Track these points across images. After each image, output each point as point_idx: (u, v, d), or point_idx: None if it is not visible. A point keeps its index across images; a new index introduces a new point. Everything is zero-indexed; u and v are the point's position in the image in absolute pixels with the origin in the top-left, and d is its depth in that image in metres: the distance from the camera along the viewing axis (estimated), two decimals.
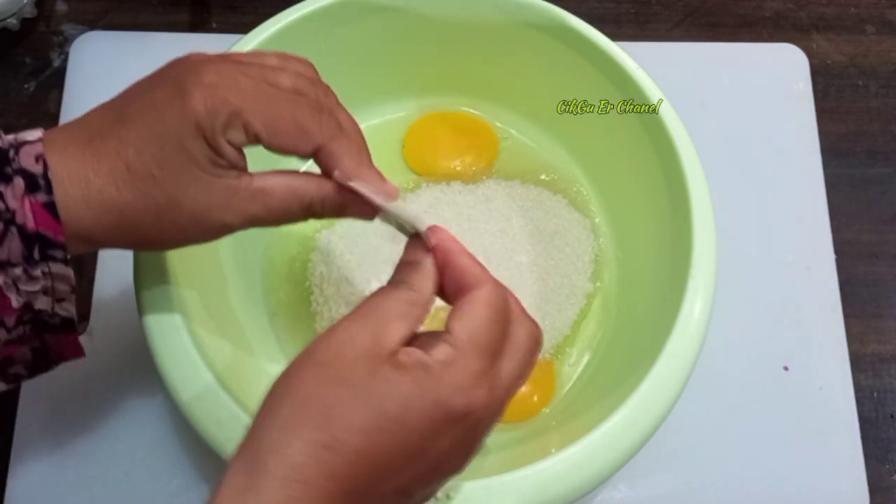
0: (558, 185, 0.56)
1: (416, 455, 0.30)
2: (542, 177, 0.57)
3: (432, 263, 0.35)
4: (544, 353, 0.52)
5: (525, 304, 0.51)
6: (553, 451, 0.39)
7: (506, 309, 0.34)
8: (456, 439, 0.31)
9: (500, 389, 0.33)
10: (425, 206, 0.55)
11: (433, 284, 0.34)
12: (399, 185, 0.56)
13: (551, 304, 0.52)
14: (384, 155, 0.58)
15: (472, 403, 0.31)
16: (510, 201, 0.55)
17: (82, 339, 0.53)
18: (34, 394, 0.52)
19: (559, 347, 0.52)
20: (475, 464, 0.44)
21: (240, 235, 0.52)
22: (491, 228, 0.54)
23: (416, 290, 0.34)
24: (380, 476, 0.30)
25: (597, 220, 0.55)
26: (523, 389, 0.50)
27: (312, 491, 0.28)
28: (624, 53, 0.49)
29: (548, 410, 0.50)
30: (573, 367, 0.52)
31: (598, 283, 0.54)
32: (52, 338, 0.37)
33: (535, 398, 0.51)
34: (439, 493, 0.37)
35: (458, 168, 0.57)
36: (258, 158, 0.37)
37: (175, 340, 0.41)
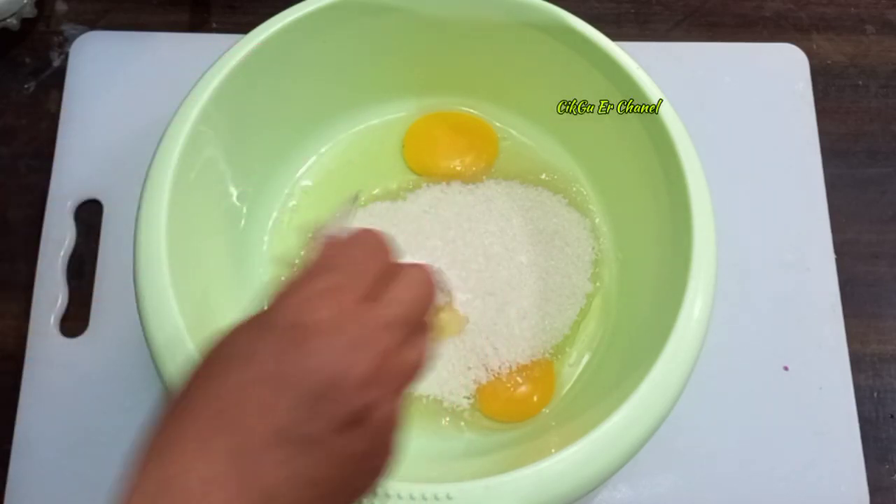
0: (558, 185, 0.56)
1: (269, 382, 0.28)
2: (542, 176, 0.57)
3: None
4: (544, 353, 0.52)
5: (525, 304, 0.52)
6: (553, 451, 0.39)
7: (350, 237, 0.33)
8: (313, 355, 0.29)
9: (371, 313, 0.30)
10: (425, 206, 0.55)
11: None
12: (399, 185, 0.56)
13: (551, 304, 0.52)
14: (384, 155, 0.58)
15: (301, 312, 0.29)
16: (510, 201, 0.55)
17: (81, 339, 0.53)
18: (34, 394, 0.52)
19: (559, 347, 0.52)
20: (475, 463, 0.44)
21: (239, 236, 0.53)
22: (491, 228, 0.54)
23: None
24: (245, 415, 0.28)
25: (597, 220, 0.55)
26: (523, 389, 0.50)
27: (176, 451, 0.28)
28: (624, 53, 0.49)
29: (548, 410, 0.50)
30: (573, 367, 0.52)
31: (597, 284, 0.54)
32: None
33: (536, 398, 0.51)
34: (439, 493, 0.37)
35: (457, 168, 0.57)
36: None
37: (175, 340, 0.41)
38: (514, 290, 0.53)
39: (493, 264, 0.53)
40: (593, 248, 0.54)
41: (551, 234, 0.54)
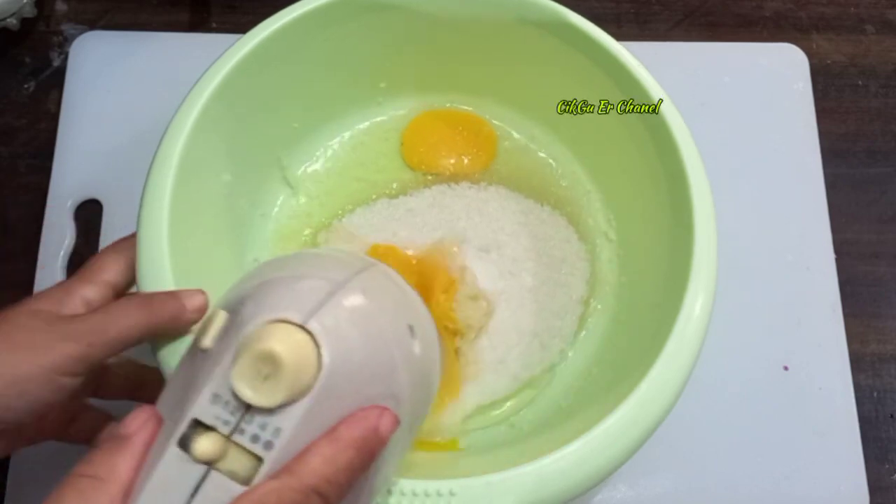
0: (556, 179, 0.56)
1: None
2: (541, 174, 0.57)
3: None
4: (553, 350, 0.52)
5: (527, 306, 0.52)
6: (553, 449, 0.39)
7: None
8: None
9: None
10: (430, 201, 0.55)
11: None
12: (403, 182, 0.56)
13: (554, 308, 0.53)
14: (388, 152, 0.58)
15: None
16: (508, 203, 0.55)
17: None
18: None
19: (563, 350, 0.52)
20: (477, 460, 0.44)
21: (242, 235, 0.53)
22: (504, 226, 0.54)
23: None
24: None
25: (597, 218, 0.55)
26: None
27: None
28: (625, 51, 0.49)
29: (550, 407, 0.50)
30: (574, 364, 0.52)
31: (597, 285, 0.54)
32: None
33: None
34: (442, 489, 0.37)
35: (456, 165, 0.57)
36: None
37: (175, 341, 0.41)
38: (516, 292, 0.53)
39: (505, 251, 0.53)
40: (594, 248, 0.55)
41: (549, 239, 0.54)
